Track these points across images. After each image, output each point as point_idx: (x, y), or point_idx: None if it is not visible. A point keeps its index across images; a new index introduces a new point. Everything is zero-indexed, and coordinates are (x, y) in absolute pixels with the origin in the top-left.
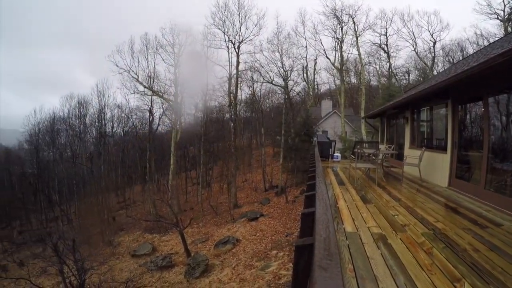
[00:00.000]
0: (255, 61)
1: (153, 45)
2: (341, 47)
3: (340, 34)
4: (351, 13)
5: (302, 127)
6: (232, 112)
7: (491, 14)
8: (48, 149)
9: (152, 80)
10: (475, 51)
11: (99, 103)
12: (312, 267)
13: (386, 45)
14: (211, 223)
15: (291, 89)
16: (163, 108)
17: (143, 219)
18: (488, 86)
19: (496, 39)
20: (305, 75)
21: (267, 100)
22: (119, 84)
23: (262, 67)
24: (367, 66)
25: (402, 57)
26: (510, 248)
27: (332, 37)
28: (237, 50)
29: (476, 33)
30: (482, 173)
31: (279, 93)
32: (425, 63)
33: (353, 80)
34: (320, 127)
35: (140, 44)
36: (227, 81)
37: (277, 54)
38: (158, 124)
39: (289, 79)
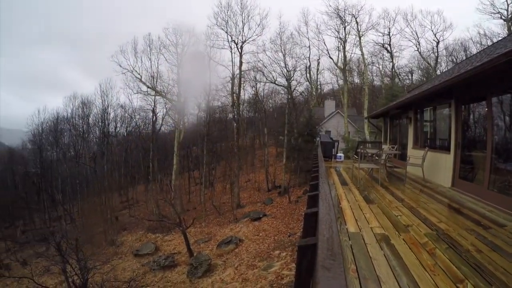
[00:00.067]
0: (258, 61)
1: (156, 45)
2: (344, 47)
3: (343, 34)
4: (354, 13)
5: (305, 127)
6: (235, 112)
7: (495, 13)
8: (51, 149)
9: (155, 80)
10: (478, 50)
11: (102, 103)
12: (315, 267)
13: (389, 45)
14: (214, 223)
15: (294, 89)
16: (166, 108)
17: (146, 219)
18: (492, 86)
19: (500, 38)
20: (308, 75)
21: (270, 100)
22: (123, 84)
23: (265, 67)
24: (370, 66)
25: (405, 57)
26: None
27: (335, 37)
28: (240, 50)
29: (479, 33)
30: (486, 174)
31: (282, 93)
32: (428, 63)
33: (356, 80)
34: (323, 127)
35: (143, 44)
36: (230, 81)
37: (280, 54)
38: (161, 124)
39: (292, 79)
